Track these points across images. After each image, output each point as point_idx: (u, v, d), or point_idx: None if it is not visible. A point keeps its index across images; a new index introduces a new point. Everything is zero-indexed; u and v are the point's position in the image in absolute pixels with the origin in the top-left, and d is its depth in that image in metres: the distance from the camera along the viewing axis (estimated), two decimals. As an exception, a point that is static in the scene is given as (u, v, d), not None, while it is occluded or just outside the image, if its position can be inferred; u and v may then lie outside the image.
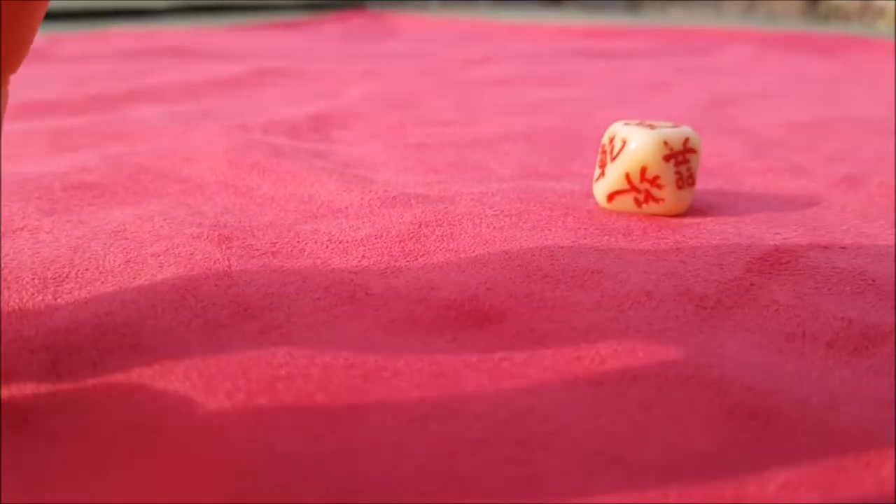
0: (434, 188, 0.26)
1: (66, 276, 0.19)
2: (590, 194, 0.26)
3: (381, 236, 0.21)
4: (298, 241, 0.21)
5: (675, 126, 0.24)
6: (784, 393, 0.14)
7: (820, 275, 0.19)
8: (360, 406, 0.14)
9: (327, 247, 0.21)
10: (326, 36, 0.83)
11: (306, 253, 0.21)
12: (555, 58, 0.67)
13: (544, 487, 0.12)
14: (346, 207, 0.24)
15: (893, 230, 0.23)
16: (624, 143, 0.23)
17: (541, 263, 0.19)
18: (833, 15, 1.21)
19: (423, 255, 0.20)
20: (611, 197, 0.24)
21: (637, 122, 0.24)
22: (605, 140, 0.24)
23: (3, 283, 0.19)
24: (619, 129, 0.24)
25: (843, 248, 0.21)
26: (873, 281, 0.19)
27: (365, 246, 0.21)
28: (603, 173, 0.24)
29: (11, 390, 0.14)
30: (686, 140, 0.23)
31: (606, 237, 0.21)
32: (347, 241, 0.21)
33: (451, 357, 0.15)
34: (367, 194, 0.25)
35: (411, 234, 0.22)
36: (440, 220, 0.22)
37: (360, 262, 0.20)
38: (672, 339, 0.16)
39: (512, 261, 0.20)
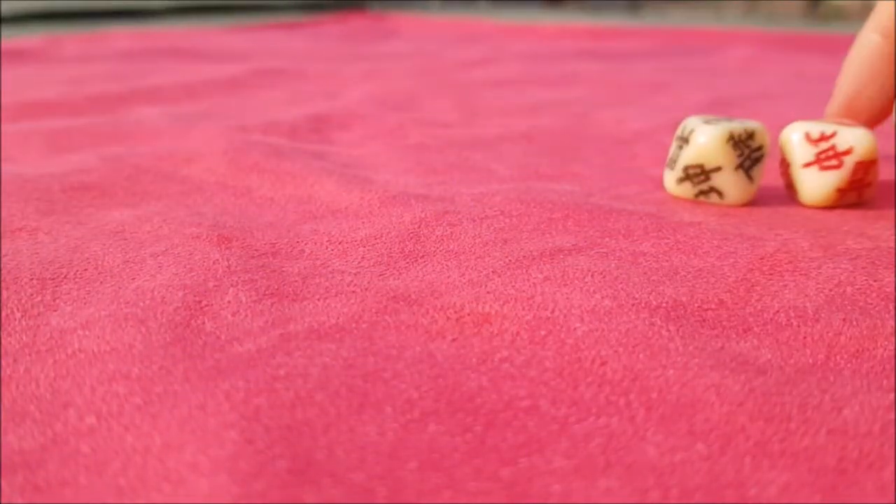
0: (434, 189, 0.26)
1: (65, 277, 0.19)
2: (590, 194, 0.26)
3: (381, 236, 0.21)
4: (298, 242, 0.21)
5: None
6: (786, 395, 0.14)
7: (822, 276, 0.19)
8: (360, 406, 0.14)
9: (327, 247, 0.21)
10: (326, 37, 0.83)
11: (306, 254, 0.20)
12: (555, 58, 0.67)
13: (545, 489, 0.12)
14: (346, 207, 0.24)
15: (894, 231, 0.23)
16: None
17: (541, 265, 0.19)
18: (834, 16, 1.21)
19: (423, 255, 0.20)
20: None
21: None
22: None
23: (2, 284, 0.19)
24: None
25: (844, 249, 0.21)
26: (874, 282, 0.19)
27: (364, 247, 0.21)
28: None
29: None
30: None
31: (607, 239, 0.21)
32: (347, 242, 0.21)
33: (451, 358, 0.15)
34: (367, 194, 0.25)
35: (411, 234, 0.22)
36: (440, 220, 0.22)
37: (359, 262, 0.20)
38: (673, 341, 0.15)
39: (512, 262, 0.20)
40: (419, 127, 0.38)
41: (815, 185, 0.25)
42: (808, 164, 0.25)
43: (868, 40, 0.27)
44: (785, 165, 0.26)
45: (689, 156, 0.25)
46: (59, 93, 0.44)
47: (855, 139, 0.24)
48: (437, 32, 0.90)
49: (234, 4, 1.18)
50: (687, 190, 0.25)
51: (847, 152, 0.24)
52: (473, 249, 0.21)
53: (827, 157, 0.25)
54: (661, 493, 0.11)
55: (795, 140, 0.25)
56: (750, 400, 0.14)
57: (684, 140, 0.25)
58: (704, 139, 0.24)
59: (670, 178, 0.26)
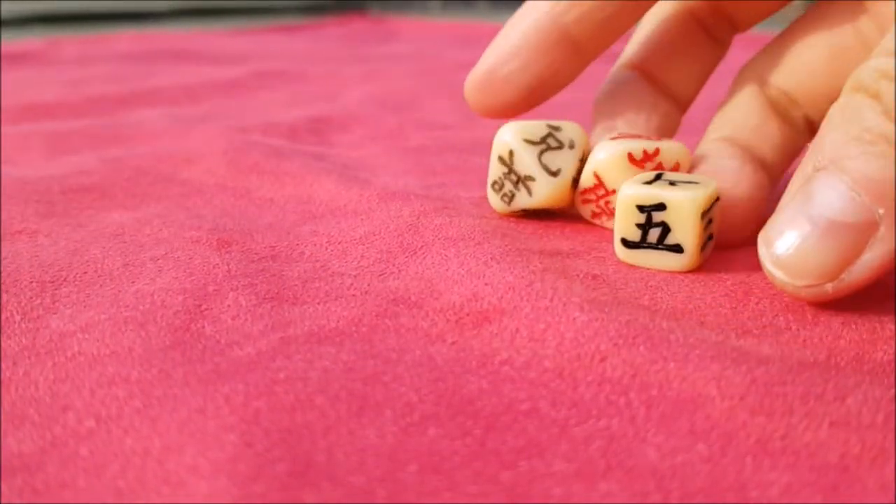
0: (433, 190, 0.26)
1: (65, 280, 0.19)
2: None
3: (380, 232, 0.21)
4: (298, 245, 0.21)
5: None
6: (788, 385, 0.14)
7: (821, 277, 0.19)
8: (360, 410, 0.14)
9: (326, 248, 0.21)
10: (326, 39, 0.83)
11: (305, 256, 0.20)
12: (554, 60, 0.67)
13: (545, 492, 0.12)
14: (345, 205, 0.24)
15: (893, 230, 0.23)
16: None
17: (541, 258, 0.19)
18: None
19: (422, 245, 0.20)
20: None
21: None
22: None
23: (1, 287, 0.19)
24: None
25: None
26: (872, 283, 0.19)
27: (364, 244, 0.21)
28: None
29: None
30: None
31: (605, 242, 0.21)
32: (346, 241, 0.21)
33: (451, 362, 0.15)
34: (367, 193, 0.25)
35: (409, 227, 0.21)
36: (439, 212, 0.22)
37: (359, 263, 0.20)
38: (674, 332, 0.15)
39: (511, 251, 0.20)
40: (419, 129, 0.38)
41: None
42: None
43: (532, 3, 0.22)
44: (596, 193, 0.21)
45: (535, 202, 0.22)
46: (59, 95, 0.44)
47: (679, 153, 0.21)
48: (437, 34, 0.90)
49: (235, 7, 1.18)
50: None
51: (675, 169, 0.21)
52: (473, 235, 0.20)
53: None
54: (662, 497, 0.11)
55: (613, 162, 0.21)
56: (751, 392, 0.13)
57: (523, 182, 0.22)
58: (554, 190, 0.21)
59: (503, 207, 0.22)
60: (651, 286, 0.18)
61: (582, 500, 0.11)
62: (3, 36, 0.79)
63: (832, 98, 0.17)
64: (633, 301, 0.17)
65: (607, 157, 0.21)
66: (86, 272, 0.19)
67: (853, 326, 0.16)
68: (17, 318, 0.17)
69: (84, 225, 0.23)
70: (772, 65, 0.22)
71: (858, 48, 0.21)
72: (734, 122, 0.22)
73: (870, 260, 0.15)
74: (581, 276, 0.19)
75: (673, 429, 0.13)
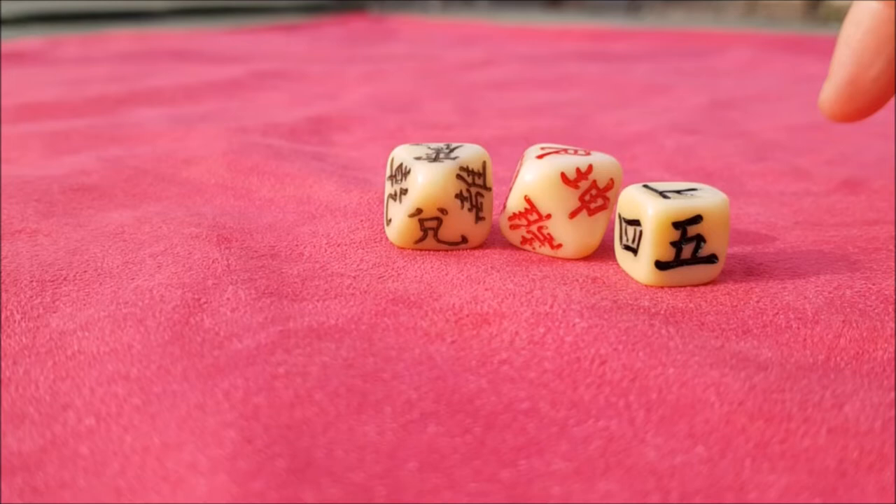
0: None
1: (65, 279, 0.19)
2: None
3: (379, 238, 0.21)
4: (297, 244, 0.21)
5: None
6: (786, 392, 0.14)
7: (821, 279, 0.19)
8: (359, 406, 0.14)
9: (326, 249, 0.21)
10: (326, 38, 0.83)
11: (305, 256, 0.20)
12: (554, 60, 0.67)
13: (544, 491, 0.12)
14: (345, 206, 0.24)
15: (893, 233, 0.23)
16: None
17: (541, 266, 0.19)
18: (833, 17, 1.21)
19: (422, 253, 0.20)
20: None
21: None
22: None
23: (1, 287, 0.19)
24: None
25: (844, 252, 0.21)
26: (874, 285, 0.19)
27: (363, 249, 0.21)
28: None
29: None
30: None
31: (605, 241, 0.21)
32: (346, 243, 0.21)
33: (451, 361, 0.15)
34: (367, 194, 0.25)
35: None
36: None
37: (359, 265, 0.20)
38: (673, 339, 0.15)
39: (511, 261, 0.20)
40: (419, 129, 0.38)
41: (588, 233, 0.19)
42: (574, 213, 0.19)
43: (867, 8, 0.23)
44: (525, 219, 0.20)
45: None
46: (59, 94, 0.44)
47: (611, 169, 0.19)
48: (437, 34, 0.90)
49: (234, 6, 1.18)
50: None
51: (609, 186, 0.19)
52: (472, 250, 0.21)
53: (592, 199, 0.19)
54: (661, 496, 0.11)
55: (546, 184, 0.19)
56: (750, 398, 0.14)
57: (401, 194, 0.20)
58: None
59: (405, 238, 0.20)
60: (651, 287, 0.18)
61: (581, 498, 0.11)
62: (2, 35, 0.79)
63: None
64: (633, 304, 0.17)
65: (538, 178, 0.19)
66: (85, 271, 0.19)
67: (854, 324, 0.16)
68: (18, 317, 0.17)
69: (84, 224, 0.23)
70: None
71: None
72: None
73: None
74: (581, 280, 0.19)
75: (672, 431, 0.13)
